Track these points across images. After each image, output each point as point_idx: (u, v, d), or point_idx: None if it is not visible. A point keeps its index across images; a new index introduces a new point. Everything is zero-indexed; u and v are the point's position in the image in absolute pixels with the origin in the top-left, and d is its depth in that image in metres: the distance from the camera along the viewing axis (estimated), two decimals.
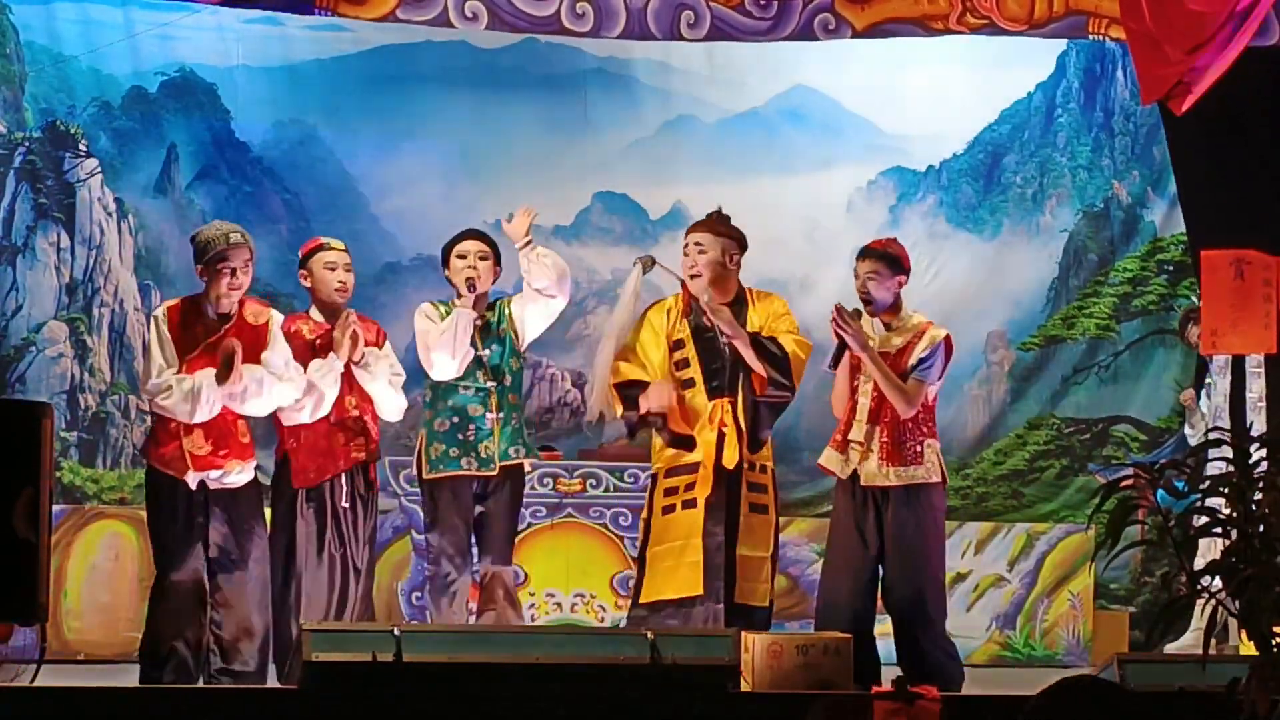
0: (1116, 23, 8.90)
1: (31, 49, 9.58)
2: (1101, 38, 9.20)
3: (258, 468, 7.60)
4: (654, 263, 8.00)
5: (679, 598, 7.60)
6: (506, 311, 8.00)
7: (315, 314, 7.87)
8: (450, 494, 7.86)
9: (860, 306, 7.74)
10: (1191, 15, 8.12)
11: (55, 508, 7.56)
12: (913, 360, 7.65)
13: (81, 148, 9.65)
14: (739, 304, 7.87)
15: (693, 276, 7.83)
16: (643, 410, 7.72)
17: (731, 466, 7.69)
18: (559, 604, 9.37)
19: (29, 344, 9.45)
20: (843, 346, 7.74)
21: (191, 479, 7.35)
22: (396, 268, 10.07)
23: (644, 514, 7.88)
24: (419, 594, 9.40)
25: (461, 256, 7.92)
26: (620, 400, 7.81)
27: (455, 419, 7.88)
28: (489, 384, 7.88)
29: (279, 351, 7.53)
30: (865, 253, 7.79)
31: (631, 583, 9.51)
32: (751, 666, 6.76)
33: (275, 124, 9.97)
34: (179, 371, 7.33)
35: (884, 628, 9.80)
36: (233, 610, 7.41)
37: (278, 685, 6.86)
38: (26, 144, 9.58)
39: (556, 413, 10.25)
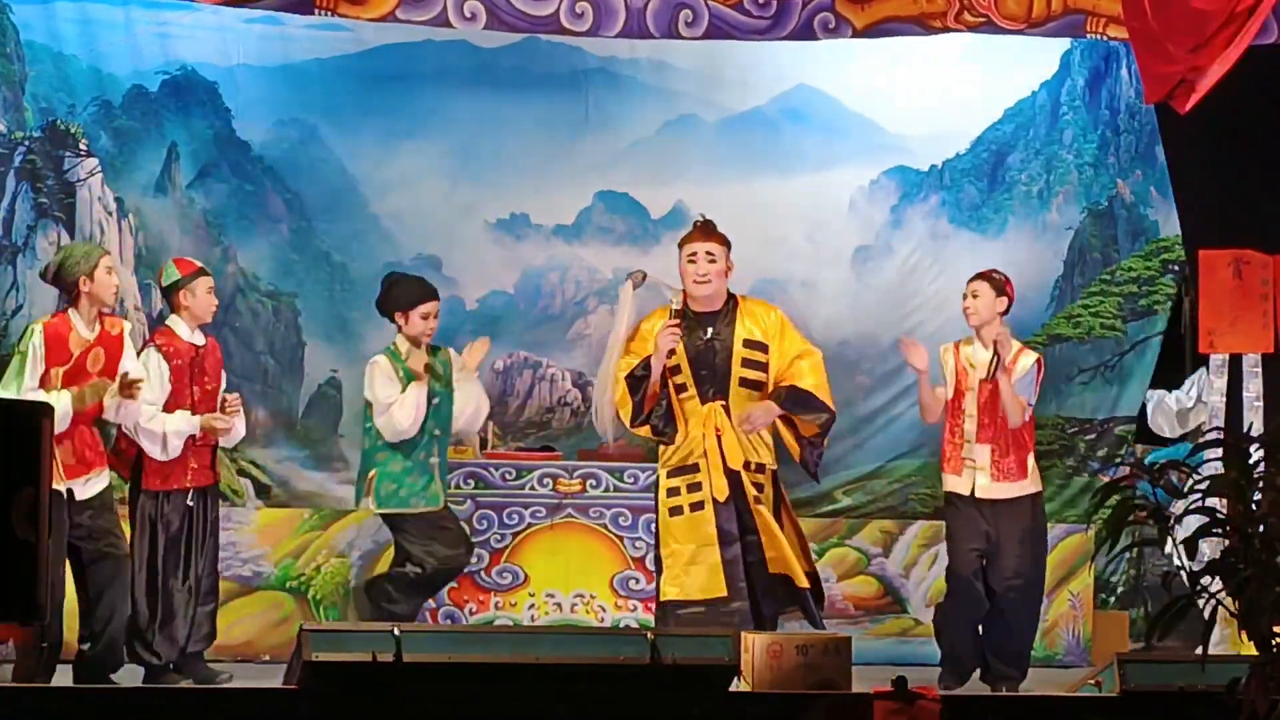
0: (1115, 21, 8.89)
1: (32, 48, 9.57)
2: (1100, 36, 9.18)
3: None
4: (645, 277, 8.22)
5: (705, 599, 7.77)
6: (449, 361, 8.60)
7: (185, 331, 8.18)
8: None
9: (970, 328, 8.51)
10: (1194, 14, 8.10)
11: None
12: (1015, 377, 8.40)
13: (82, 147, 9.64)
14: (729, 309, 8.10)
15: (700, 282, 8.05)
16: (655, 366, 7.92)
17: (737, 466, 7.91)
18: (559, 604, 9.37)
19: None
20: (996, 357, 8.37)
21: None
22: (397, 267, 10.04)
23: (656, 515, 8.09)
24: None
25: (425, 317, 8.51)
26: (630, 393, 7.98)
27: (408, 463, 8.45)
28: (436, 431, 8.50)
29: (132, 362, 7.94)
30: (975, 277, 8.60)
31: (632, 583, 9.52)
32: (752, 666, 6.76)
33: (276, 123, 9.96)
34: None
35: (898, 625, 9.86)
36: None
37: (278, 685, 6.86)
38: (27, 143, 9.57)
39: (556, 413, 10.24)
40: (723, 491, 7.87)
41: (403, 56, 9.96)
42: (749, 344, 8.08)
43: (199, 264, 8.36)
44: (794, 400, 8.02)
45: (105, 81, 9.71)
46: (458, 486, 9.39)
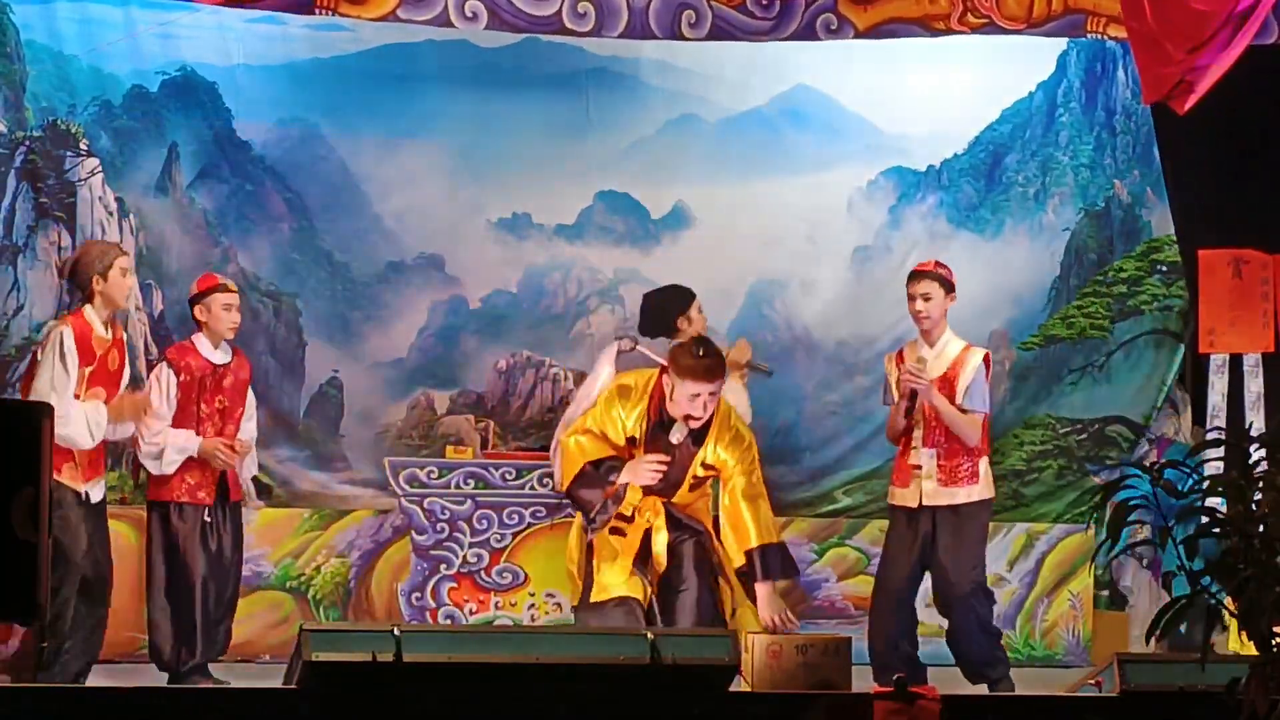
0: (1115, 21, 8.90)
1: (32, 48, 9.56)
2: (1100, 36, 9.19)
3: None
4: (635, 345, 8.09)
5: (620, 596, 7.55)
6: None
7: (205, 348, 8.25)
8: None
9: (916, 328, 8.31)
10: (1193, 14, 8.11)
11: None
12: (961, 391, 8.17)
13: (82, 147, 9.64)
14: (702, 430, 7.60)
15: (691, 419, 7.52)
16: (621, 482, 7.52)
17: (659, 557, 7.56)
18: (559, 604, 9.37)
19: (29, 344, 9.43)
20: (913, 395, 8.12)
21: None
22: (399, 267, 10.06)
23: (576, 546, 7.76)
24: (419, 594, 9.41)
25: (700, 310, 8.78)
26: (580, 482, 7.57)
27: None
28: None
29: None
30: (917, 275, 8.31)
31: None
32: (751, 666, 6.76)
33: (276, 123, 9.96)
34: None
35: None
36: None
37: (278, 685, 6.86)
38: (27, 143, 9.57)
39: (558, 413, 10.24)
40: (640, 559, 7.54)
41: (404, 56, 9.96)
42: (706, 466, 7.66)
43: (220, 279, 8.44)
44: (774, 561, 7.63)
45: (105, 81, 9.70)
46: (458, 486, 9.40)
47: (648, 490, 7.57)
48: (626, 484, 7.55)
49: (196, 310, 8.31)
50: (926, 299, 8.23)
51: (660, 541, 7.55)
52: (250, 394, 8.43)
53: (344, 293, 10.02)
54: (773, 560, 7.62)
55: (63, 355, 7.63)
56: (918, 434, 8.17)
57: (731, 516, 7.62)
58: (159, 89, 9.79)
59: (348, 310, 10.00)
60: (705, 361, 7.50)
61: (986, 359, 8.35)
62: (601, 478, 7.57)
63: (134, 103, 9.75)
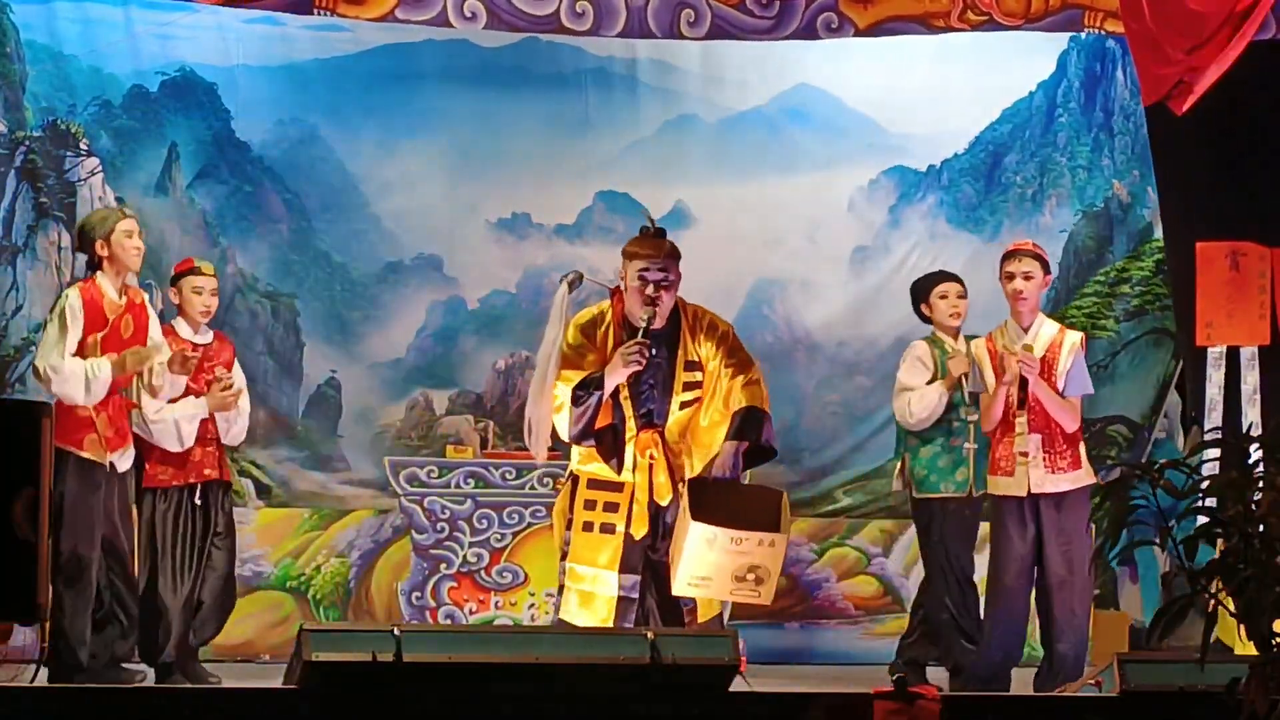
0: (1112, 16, 8.90)
1: (32, 48, 9.57)
2: (1097, 30, 9.19)
3: None
4: (581, 278, 7.51)
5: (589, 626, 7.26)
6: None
7: (186, 331, 8.19)
8: None
9: (1007, 318, 8.06)
10: (1192, 15, 8.11)
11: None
12: (1061, 374, 7.89)
13: (82, 147, 9.65)
14: (672, 326, 7.30)
15: (649, 303, 7.18)
16: (609, 385, 7.15)
17: (664, 503, 7.28)
18: (559, 604, 9.36)
19: (29, 344, 9.44)
20: (1024, 384, 7.85)
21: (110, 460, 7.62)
22: (398, 267, 10.07)
23: (563, 511, 7.39)
24: (419, 594, 9.41)
25: (943, 297, 8.74)
26: (575, 406, 7.17)
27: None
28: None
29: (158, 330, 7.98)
30: (1016, 254, 8.05)
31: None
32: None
33: (276, 123, 9.97)
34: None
35: (898, 625, 9.83)
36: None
37: (279, 685, 6.86)
38: (27, 143, 9.58)
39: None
40: (641, 530, 7.22)
41: (403, 56, 9.96)
42: (689, 366, 7.30)
43: (195, 262, 8.35)
44: (751, 424, 7.22)
45: (105, 81, 9.71)
46: (458, 486, 9.40)
47: (643, 420, 7.24)
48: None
49: (171, 293, 8.29)
50: (1028, 278, 7.95)
51: (662, 484, 7.24)
52: (239, 372, 8.34)
53: (342, 293, 10.03)
54: (751, 424, 7.20)
55: (63, 316, 7.55)
56: (1021, 420, 7.86)
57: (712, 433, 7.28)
58: (158, 89, 9.79)
59: (346, 310, 10.00)
60: (648, 235, 7.32)
61: (1083, 340, 8.11)
62: (593, 386, 7.17)
63: (134, 103, 9.76)
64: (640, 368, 7.14)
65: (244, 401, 8.28)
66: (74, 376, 7.51)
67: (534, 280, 10.24)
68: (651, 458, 7.25)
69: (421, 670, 6.06)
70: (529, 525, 9.48)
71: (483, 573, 9.44)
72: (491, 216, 10.22)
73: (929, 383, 8.46)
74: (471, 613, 9.42)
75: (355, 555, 9.64)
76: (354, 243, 10.07)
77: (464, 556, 9.43)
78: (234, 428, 8.24)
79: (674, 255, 7.30)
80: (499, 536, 9.48)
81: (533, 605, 9.46)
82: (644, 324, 7.16)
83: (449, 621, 9.28)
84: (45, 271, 9.58)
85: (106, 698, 6.50)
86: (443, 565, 9.42)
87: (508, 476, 9.50)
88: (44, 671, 7.38)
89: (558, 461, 9.57)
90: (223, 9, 9.16)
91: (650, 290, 7.17)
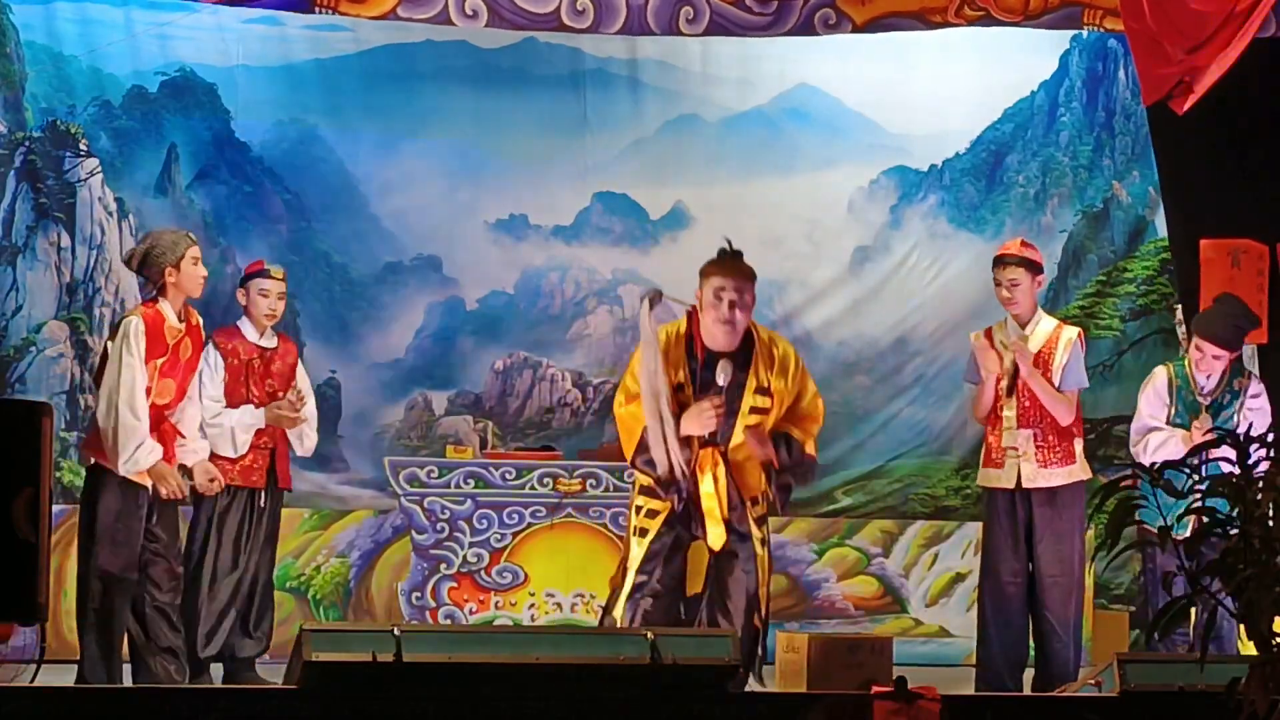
0: (1111, 14, 8.89)
1: (32, 48, 9.58)
2: (1097, 28, 9.18)
3: None
4: (661, 296, 7.38)
5: None
6: None
7: (251, 334, 8.20)
8: None
9: (1007, 314, 8.02)
10: (1193, 14, 8.11)
11: (55, 508, 7.56)
12: (1057, 369, 7.90)
13: (82, 147, 9.65)
14: (744, 350, 7.28)
15: (724, 322, 7.18)
16: (683, 434, 7.14)
17: (726, 516, 7.25)
18: (559, 604, 9.37)
19: (29, 344, 9.45)
20: (1014, 374, 7.86)
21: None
22: (397, 267, 10.07)
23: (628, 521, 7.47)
24: (419, 594, 9.41)
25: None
26: (640, 442, 7.20)
27: None
28: None
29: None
30: (1002, 260, 8.06)
31: None
32: (788, 664, 6.77)
33: (275, 123, 9.97)
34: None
35: (898, 625, 9.84)
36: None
37: (279, 685, 6.86)
38: (27, 144, 9.58)
39: (557, 413, 10.25)
40: (719, 540, 7.21)
41: (402, 56, 9.97)
42: (759, 390, 7.27)
43: (265, 264, 8.39)
44: (785, 448, 7.30)
45: (105, 82, 9.72)
46: (458, 486, 9.39)
47: (705, 441, 7.22)
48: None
49: (239, 294, 8.28)
50: (1014, 285, 7.97)
51: (708, 492, 7.20)
52: (304, 375, 8.34)
53: (341, 293, 10.03)
54: (794, 450, 7.28)
55: (134, 344, 7.47)
56: (1010, 414, 7.88)
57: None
58: (158, 89, 9.80)
59: (345, 311, 10.01)
60: (726, 258, 7.27)
61: (1081, 336, 8.12)
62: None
63: (133, 103, 9.77)
64: (715, 428, 7.17)
65: (309, 410, 8.25)
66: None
67: (532, 281, 10.25)
68: (714, 478, 7.22)
69: (421, 670, 6.06)
70: (529, 525, 9.47)
71: (483, 573, 9.44)
72: (490, 217, 10.23)
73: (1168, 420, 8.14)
74: (471, 613, 9.41)
75: (355, 555, 9.65)
76: (353, 243, 10.07)
77: (464, 557, 9.43)
78: (306, 441, 8.27)
79: (750, 277, 7.28)
80: (499, 537, 9.48)
81: (533, 605, 9.46)
82: (721, 377, 7.16)
83: (449, 621, 9.27)
84: (45, 272, 9.58)
85: (106, 698, 6.50)
86: (443, 565, 9.42)
87: (507, 477, 9.50)
88: (43, 671, 7.38)
89: (558, 461, 9.60)
90: (223, 8, 9.16)
91: (725, 310, 7.17)
